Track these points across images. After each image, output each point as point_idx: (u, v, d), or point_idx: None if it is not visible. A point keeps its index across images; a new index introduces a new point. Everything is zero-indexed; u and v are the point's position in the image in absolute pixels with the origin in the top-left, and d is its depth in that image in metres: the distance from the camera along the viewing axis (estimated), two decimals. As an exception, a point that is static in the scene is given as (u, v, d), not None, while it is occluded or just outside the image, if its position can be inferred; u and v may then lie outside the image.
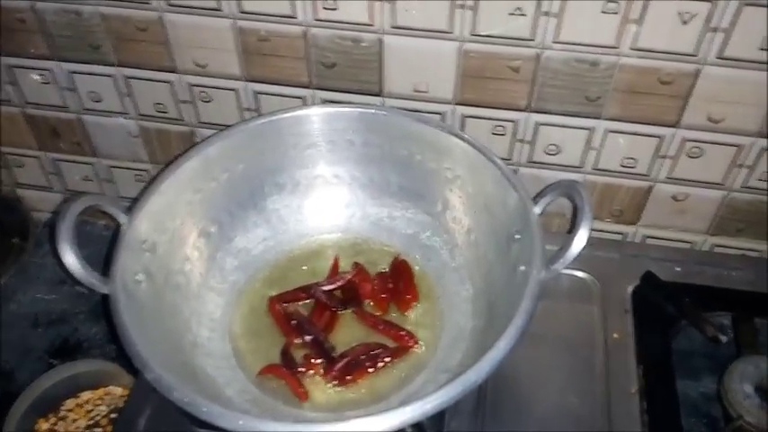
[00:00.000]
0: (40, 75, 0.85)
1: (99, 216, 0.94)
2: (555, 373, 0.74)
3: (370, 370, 0.68)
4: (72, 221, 0.61)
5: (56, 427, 0.81)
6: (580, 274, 0.82)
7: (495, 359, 0.55)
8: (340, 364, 0.68)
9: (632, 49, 0.70)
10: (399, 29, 0.72)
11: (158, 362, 0.58)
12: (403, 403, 0.54)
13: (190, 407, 0.54)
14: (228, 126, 0.75)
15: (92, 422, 0.81)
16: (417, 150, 0.75)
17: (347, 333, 0.73)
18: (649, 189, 0.83)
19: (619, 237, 0.90)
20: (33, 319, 0.92)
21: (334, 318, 0.74)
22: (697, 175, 0.80)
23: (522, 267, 0.64)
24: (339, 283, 0.76)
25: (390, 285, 0.76)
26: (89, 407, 0.83)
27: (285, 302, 0.75)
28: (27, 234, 0.99)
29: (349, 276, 0.77)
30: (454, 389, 0.54)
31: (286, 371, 0.68)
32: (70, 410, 0.82)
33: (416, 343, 0.71)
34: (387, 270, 0.78)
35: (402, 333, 0.71)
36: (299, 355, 0.71)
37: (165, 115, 0.86)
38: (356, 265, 0.78)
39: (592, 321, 0.78)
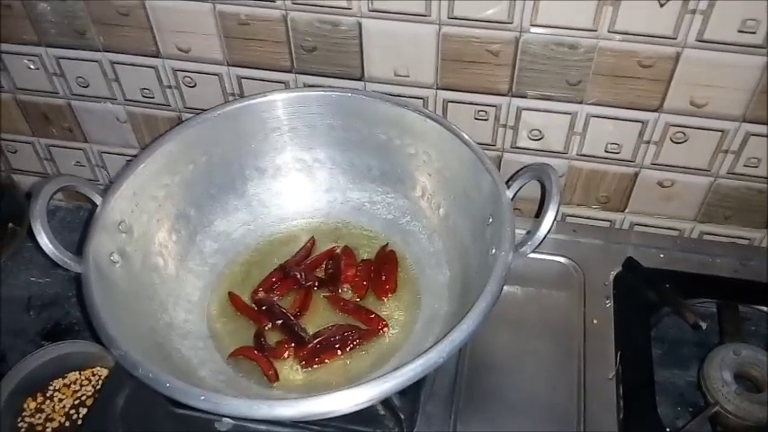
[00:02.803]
0: (30, 60, 0.86)
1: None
2: (532, 358, 0.73)
3: (339, 352, 0.69)
4: (46, 201, 0.62)
5: (43, 407, 0.82)
6: (563, 260, 0.81)
7: (457, 340, 0.55)
8: (309, 346, 0.68)
9: (610, 31, 0.69)
10: (377, 12, 0.72)
11: (129, 340, 0.59)
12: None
13: (153, 383, 0.55)
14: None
15: (78, 402, 0.82)
16: (396, 135, 0.75)
17: (322, 316, 0.74)
18: (635, 175, 0.82)
19: (607, 224, 0.89)
20: (26, 302, 0.94)
21: (309, 296, 0.74)
22: (682, 161, 0.79)
23: (494, 251, 0.64)
24: (313, 259, 0.78)
25: (372, 274, 0.76)
26: (75, 387, 0.84)
27: (262, 291, 0.76)
28: (22, 219, 1.00)
29: (328, 253, 0.78)
30: (414, 369, 0.54)
31: (257, 353, 0.69)
32: (57, 390, 0.83)
33: (386, 326, 0.71)
34: (372, 258, 0.78)
35: (372, 316, 0.71)
36: (274, 338, 0.71)
37: (152, 100, 0.87)
38: (346, 248, 0.79)
39: (572, 307, 0.77)
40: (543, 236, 0.61)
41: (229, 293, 0.75)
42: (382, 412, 0.67)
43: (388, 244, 0.78)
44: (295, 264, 0.77)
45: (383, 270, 0.76)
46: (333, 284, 0.75)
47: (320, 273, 0.78)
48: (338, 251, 0.79)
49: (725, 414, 0.68)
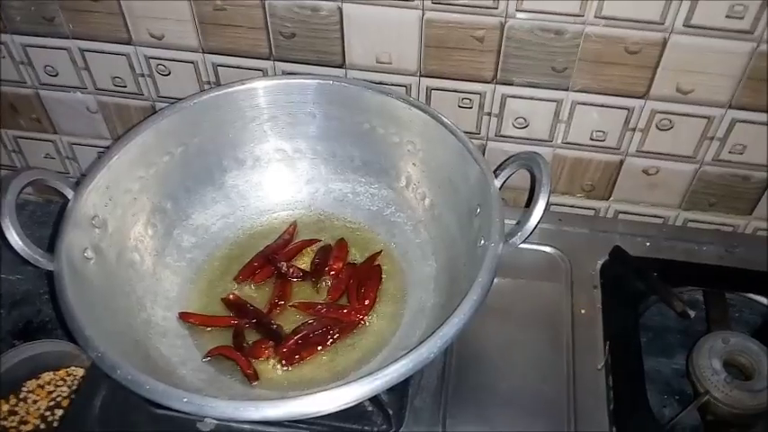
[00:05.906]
0: (-5, 49, 0.82)
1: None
2: (520, 349, 0.72)
3: (320, 348, 0.67)
4: (15, 196, 0.60)
5: (16, 409, 0.79)
6: (548, 249, 0.80)
7: (449, 334, 0.54)
8: (289, 343, 0.66)
9: (597, 17, 0.68)
10: (358, -3, 0.70)
11: (106, 340, 0.56)
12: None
13: (133, 385, 0.53)
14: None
15: (53, 403, 0.80)
16: (379, 123, 0.74)
17: (299, 313, 0.72)
18: (620, 163, 0.82)
19: (591, 213, 0.88)
20: (-4, 300, 0.91)
21: (288, 286, 0.73)
22: (667, 149, 0.79)
23: (482, 242, 0.62)
24: (294, 246, 0.76)
25: (351, 279, 0.73)
26: (50, 388, 0.81)
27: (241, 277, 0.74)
28: (-11, 213, 0.97)
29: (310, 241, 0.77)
30: (405, 365, 0.52)
31: (235, 352, 0.66)
32: (31, 391, 0.81)
33: (365, 315, 0.70)
34: (358, 263, 0.75)
35: (345, 311, 0.70)
36: (253, 337, 0.69)
37: (124, 89, 0.84)
38: (341, 240, 0.77)
39: (559, 297, 0.76)
40: (534, 226, 0.59)
41: (180, 314, 0.70)
42: (370, 408, 0.65)
43: (381, 252, 0.75)
44: (276, 250, 0.75)
45: (364, 284, 0.72)
46: (317, 276, 0.73)
47: (304, 263, 0.76)
48: (325, 242, 0.77)
49: (715, 402, 0.68)
